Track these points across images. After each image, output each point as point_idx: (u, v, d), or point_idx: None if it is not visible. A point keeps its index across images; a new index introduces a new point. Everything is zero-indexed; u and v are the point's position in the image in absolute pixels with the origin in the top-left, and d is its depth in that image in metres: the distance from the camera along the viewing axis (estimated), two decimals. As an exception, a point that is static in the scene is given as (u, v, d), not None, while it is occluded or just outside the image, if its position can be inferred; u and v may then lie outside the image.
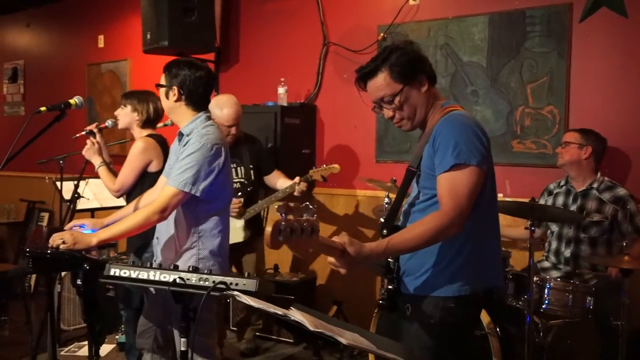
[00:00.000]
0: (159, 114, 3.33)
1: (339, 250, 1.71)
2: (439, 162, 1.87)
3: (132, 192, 3.19)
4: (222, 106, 3.61)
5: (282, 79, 4.48)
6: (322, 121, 4.61)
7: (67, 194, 3.77)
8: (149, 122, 3.31)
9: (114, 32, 5.94)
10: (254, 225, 3.81)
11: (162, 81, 2.61)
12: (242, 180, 3.78)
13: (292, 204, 1.52)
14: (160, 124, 3.39)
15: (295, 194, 3.65)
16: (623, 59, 3.47)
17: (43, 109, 2.85)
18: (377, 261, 2.01)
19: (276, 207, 1.49)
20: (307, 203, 1.58)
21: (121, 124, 3.34)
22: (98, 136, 3.28)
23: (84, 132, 3.30)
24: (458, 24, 3.94)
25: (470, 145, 1.85)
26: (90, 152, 3.26)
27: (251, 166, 3.79)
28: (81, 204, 3.78)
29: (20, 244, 6.25)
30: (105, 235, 2.49)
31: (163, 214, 2.44)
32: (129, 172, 3.15)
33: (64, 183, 3.75)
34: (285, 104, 4.43)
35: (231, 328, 4.38)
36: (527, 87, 3.72)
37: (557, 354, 3.16)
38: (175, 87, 2.55)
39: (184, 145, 2.53)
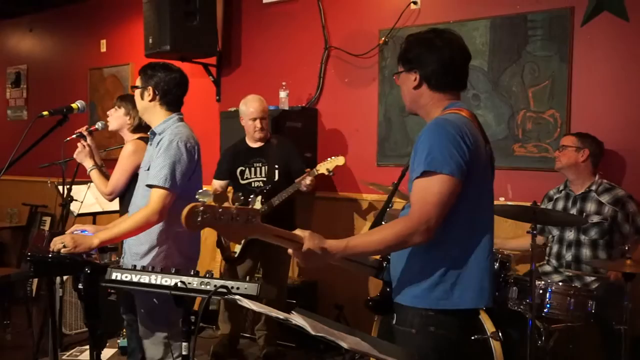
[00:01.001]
0: None
1: (297, 243, 1.71)
2: (414, 167, 1.81)
3: (125, 195, 3.19)
4: (247, 102, 3.92)
5: (284, 83, 4.49)
6: (324, 125, 4.62)
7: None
8: (140, 128, 3.30)
9: (116, 36, 5.96)
10: (273, 223, 3.81)
11: (138, 83, 2.70)
12: (263, 179, 3.86)
13: (218, 194, 1.63)
14: None
15: (302, 188, 3.69)
16: (625, 62, 3.47)
17: (45, 113, 2.86)
18: (364, 261, 1.99)
19: (197, 192, 1.59)
20: (240, 193, 1.66)
21: (111, 126, 3.35)
22: (89, 139, 3.29)
23: (74, 136, 3.29)
24: (459, 28, 3.93)
25: (445, 153, 1.75)
26: (82, 155, 3.27)
27: (277, 166, 3.85)
28: (84, 208, 3.79)
29: (22, 248, 6.26)
30: (106, 236, 2.51)
31: (161, 215, 2.49)
32: (120, 174, 3.16)
33: (65, 187, 3.76)
34: (286, 107, 4.44)
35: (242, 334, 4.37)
36: (529, 90, 3.72)
37: (559, 359, 3.15)
38: (150, 88, 2.64)
39: (157, 144, 2.60)
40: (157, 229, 2.57)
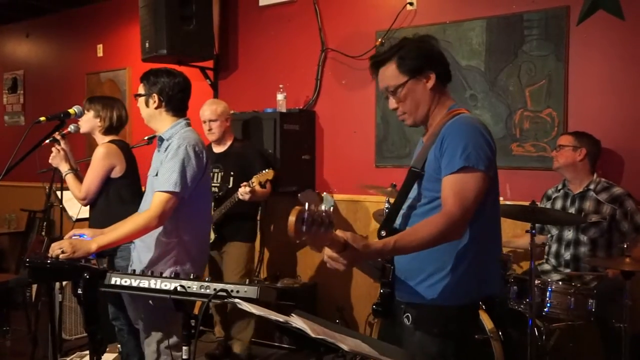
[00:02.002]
0: (122, 122, 3.32)
1: (342, 244, 1.68)
2: (446, 164, 1.83)
3: (98, 200, 3.17)
4: (203, 105, 3.94)
5: (281, 86, 4.49)
6: (321, 127, 4.62)
7: (67, 203, 3.76)
8: (111, 129, 3.28)
9: (113, 41, 5.96)
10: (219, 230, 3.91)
11: (141, 91, 2.64)
12: (217, 184, 3.93)
13: (313, 192, 1.55)
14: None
15: (240, 197, 3.71)
16: (621, 60, 3.48)
17: (42, 118, 2.86)
18: (374, 264, 2.00)
19: (299, 195, 1.51)
20: (327, 193, 1.60)
21: (82, 129, 3.31)
22: (62, 143, 3.25)
23: (48, 141, 3.22)
24: (456, 28, 3.95)
25: (480, 150, 1.82)
26: (57, 160, 3.24)
27: (232, 173, 3.90)
28: (82, 213, 3.78)
29: (21, 253, 6.24)
30: (104, 240, 2.48)
31: (161, 220, 2.46)
32: (92, 178, 3.13)
33: (64, 192, 3.75)
34: (284, 110, 4.44)
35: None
36: (526, 90, 3.72)
37: (560, 358, 3.15)
38: (155, 95, 2.59)
39: (166, 150, 2.56)
40: (165, 236, 2.54)
